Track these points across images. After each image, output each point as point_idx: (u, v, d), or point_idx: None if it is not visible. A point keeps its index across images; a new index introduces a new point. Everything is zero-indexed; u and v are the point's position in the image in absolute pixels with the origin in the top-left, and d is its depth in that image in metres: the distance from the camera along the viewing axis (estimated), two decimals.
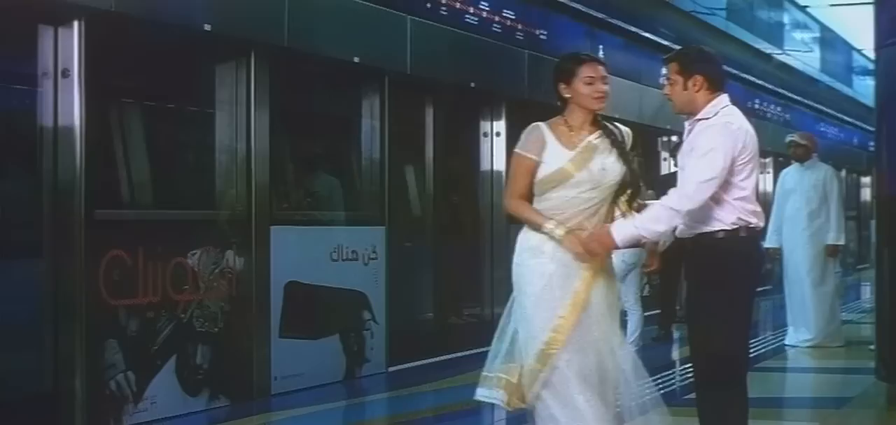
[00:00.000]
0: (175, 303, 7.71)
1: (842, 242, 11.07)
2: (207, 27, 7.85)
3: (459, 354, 10.46)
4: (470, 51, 10.81)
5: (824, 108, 23.36)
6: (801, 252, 10.94)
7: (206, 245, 7.96)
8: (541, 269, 5.14)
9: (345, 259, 9.29)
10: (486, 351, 10.58)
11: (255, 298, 8.40)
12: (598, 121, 5.24)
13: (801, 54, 20.99)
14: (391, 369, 9.78)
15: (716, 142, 5.12)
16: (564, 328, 5.09)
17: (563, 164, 5.11)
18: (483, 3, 11.08)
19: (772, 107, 19.91)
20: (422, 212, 10.90)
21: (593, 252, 5.09)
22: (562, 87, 5.20)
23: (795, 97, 21.21)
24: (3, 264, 7.04)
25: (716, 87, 5.28)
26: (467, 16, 10.86)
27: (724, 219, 5.22)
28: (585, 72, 5.15)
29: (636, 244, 5.37)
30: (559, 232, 5.08)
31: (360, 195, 9.89)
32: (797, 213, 10.86)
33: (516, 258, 5.28)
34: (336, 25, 9.13)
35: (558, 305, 5.10)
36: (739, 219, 5.24)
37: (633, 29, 14.11)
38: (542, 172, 5.15)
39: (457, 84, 10.80)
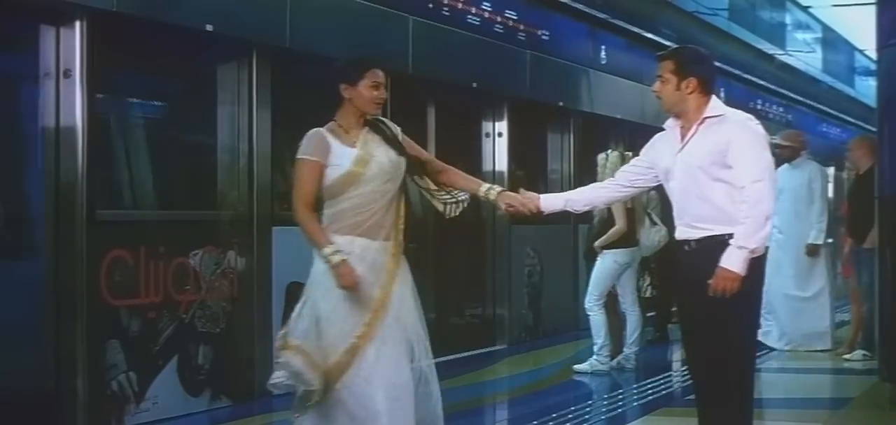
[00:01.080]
0: (177, 303, 7.71)
1: (820, 241, 10.85)
2: (209, 28, 7.82)
3: (461, 355, 10.48)
4: (472, 51, 10.78)
5: (826, 109, 23.35)
6: (787, 254, 10.88)
7: (207, 245, 7.96)
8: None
9: None
10: (488, 351, 10.78)
11: (257, 298, 8.38)
12: (366, 120, 5.35)
13: (804, 55, 20.96)
14: None
15: (757, 142, 5.16)
16: (374, 322, 5.19)
17: (350, 167, 5.20)
18: (485, 3, 11.06)
19: (773, 107, 19.89)
20: (422, 213, 10.86)
21: None
22: (343, 87, 5.32)
23: (797, 97, 21.20)
24: (4, 264, 7.05)
25: (708, 90, 5.24)
26: (469, 16, 10.83)
27: (734, 221, 5.12)
28: (370, 77, 5.28)
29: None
30: (335, 259, 5.13)
31: None
32: (785, 214, 10.82)
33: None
34: (337, 26, 9.08)
35: (367, 302, 5.20)
36: None
37: (635, 29, 14.11)
38: (331, 176, 5.23)
39: (458, 84, 10.78)
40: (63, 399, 7.04)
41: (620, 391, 9.02)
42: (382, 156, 5.26)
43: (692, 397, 5.52)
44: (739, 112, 5.31)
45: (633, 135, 12.77)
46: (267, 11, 8.46)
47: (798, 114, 21.13)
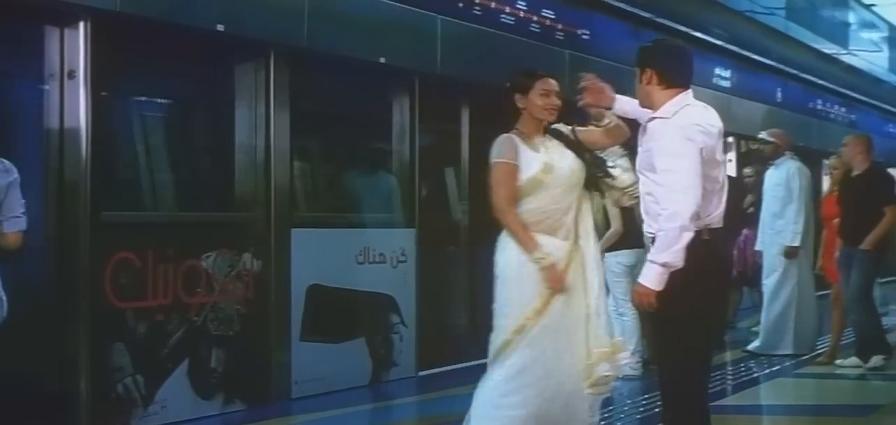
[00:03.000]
0: (187, 305, 7.64)
1: (798, 243, 10.41)
2: (220, 27, 7.74)
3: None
4: (505, 51, 10.59)
5: (892, 109, 22.75)
6: (766, 255, 10.59)
7: (220, 247, 7.88)
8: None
9: (372, 262, 9.16)
10: None
11: (275, 301, 8.30)
12: (547, 128, 5.60)
13: (868, 54, 20.46)
14: (422, 373, 9.63)
15: (677, 150, 4.87)
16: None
17: (536, 173, 5.44)
18: (520, 2, 10.87)
19: (835, 108, 19.43)
20: (458, 215, 10.75)
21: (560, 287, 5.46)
22: (517, 98, 5.61)
23: (860, 97, 20.68)
24: (7, 265, 7.00)
25: (669, 83, 5.02)
26: (503, 16, 10.66)
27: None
28: (540, 86, 5.55)
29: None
30: (545, 262, 5.40)
31: (389, 197, 9.74)
32: (765, 214, 10.51)
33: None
34: (360, 26, 8.96)
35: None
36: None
37: (682, 28, 13.82)
38: (520, 179, 5.45)
39: (491, 84, 10.57)
40: (66, 401, 7.00)
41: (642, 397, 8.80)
42: (565, 164, 5.51)
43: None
44: (681, 117, 4.96)
45: None
46: (283, 12, 8.35)
47: (862, 114, 20.62)
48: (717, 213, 5.04)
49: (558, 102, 5.55)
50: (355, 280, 9.02)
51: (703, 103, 5.14)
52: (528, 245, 5.42)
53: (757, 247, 10.83)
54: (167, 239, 7.55)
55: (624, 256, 9.11)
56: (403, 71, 9.56)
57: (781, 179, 10.45)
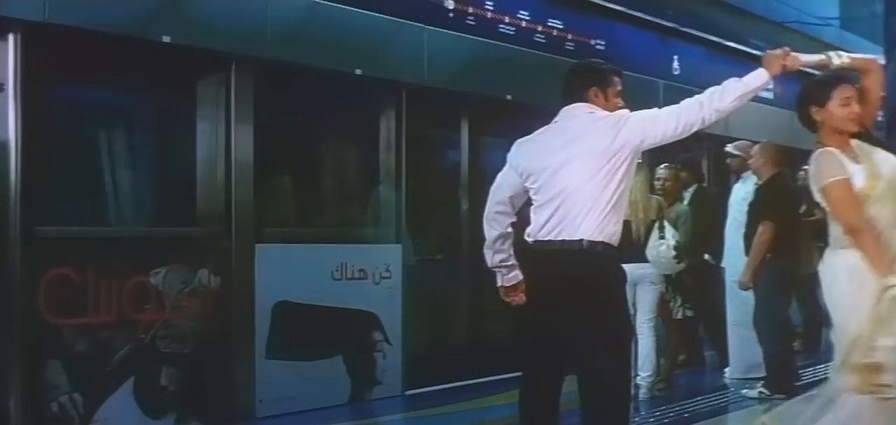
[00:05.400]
0: (134, 322, 7.50)
1: None
2: (166, 38, 7.60)
3: (493, 377, 9.99)
4: (502, 62, 10.30)
5: None
6: (730, 272, 9.96)
7: (173, 262, 7.73)
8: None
9: (351, 278, 8.94)
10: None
11: (236, 318, 8.13)
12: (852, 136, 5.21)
13: None
14: (409, 392, 9.38)
15: None
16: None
17: (863, 184, 5.07)
18: (521, 11, 10.59)
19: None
20: (455, 229, 10.49)
21: None
22: (814, 110, 5.28)
23: None
24: None
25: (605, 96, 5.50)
26: (502, 25, 10.38)
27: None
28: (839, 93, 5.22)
29: None
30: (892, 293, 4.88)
31: (371, 212, 9.52)
32: (729, 230, 9.97)
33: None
34: (321, 36, 8.75)
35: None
36: None
37: (718, 40, 13.40)
38: None
39: (489, 96, 10.31)
40: None
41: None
42: (888, 168, 5.15)
43: None
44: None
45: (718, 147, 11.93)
46: (244, 23, 8.18)
47: None
48: (540, 225, 5.33)
49: (858, 109, 5.22)
50: (331, 296, 8.80)
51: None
52: (882, 265, 4.96)
53: (722, 264, 10.27)
54: (111, 254, 7.42)
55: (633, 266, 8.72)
56: (387, 82, 9.31)
57: (744, 195, 9.83)
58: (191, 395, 7.87)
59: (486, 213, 5.50)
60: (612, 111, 5.53)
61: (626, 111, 5.49)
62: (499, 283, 5.63)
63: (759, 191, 9.17)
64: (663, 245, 8.90)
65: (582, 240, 5.24)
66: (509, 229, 5.58)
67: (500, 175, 5.54)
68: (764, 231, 8.86)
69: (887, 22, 7.73)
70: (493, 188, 5.54)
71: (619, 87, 5.65)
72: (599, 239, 5.27)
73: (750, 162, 9.69)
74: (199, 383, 7.92)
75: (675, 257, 9.05)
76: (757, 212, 9.04)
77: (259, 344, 8.28)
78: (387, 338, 9.24)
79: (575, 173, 5.25)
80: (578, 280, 5.28)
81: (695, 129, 5.28)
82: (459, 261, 10.48)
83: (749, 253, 9.11)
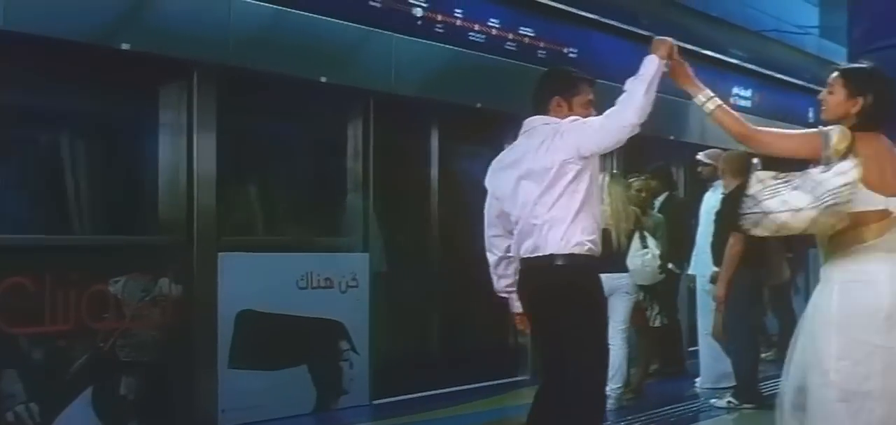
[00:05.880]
0: (93, 331, 7.44)
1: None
2: (126, 46, 7.55)
3: (463, 387, 9.97)
4: (471, 70, 10.26)
5: None
6: (700, 281, 9.93)
7: (132, 271, 7.68)
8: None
9: (316, 286, 8.89)
10: (496, 384, 10.20)
11: (198, 327, 8.08)
12: None
13: None
14: (377, 402, 9.32)
15: None
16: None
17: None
18: (492, 19, 10.55)
19: None
20: (424, 237, 10.44)
21: None
22: None
23: None
24: None
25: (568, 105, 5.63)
26: (472, 33, 10.34)
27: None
28: None
29: None
30: None
31: (337, 220, 9.47)
32: (700, 239, 9.92)
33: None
34: (300, 44, 8.72)
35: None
36: None
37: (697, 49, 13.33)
38: None
39: (458, 104, 10.26)
40: None
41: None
42: None
43: None
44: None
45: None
46: (206, 30, 8.13)
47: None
48: (518, 244, 5.56)
49: None
50: (296, 305, 8.75)
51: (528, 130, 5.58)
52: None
53: (692, 271, 10.23)
54: (68, 263, 7.36)
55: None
56: (354, 90, 9.27)
57: (713, 205, 9.75)
58: (152, 405, 7.81)
59: (485, 241, 5.80)
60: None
61: (572, 121, 5.46)
62: (511, 310, 5.88)
63: (725, 201, 9.12)
64: (648, 254, 8.89)
65: (552, 254, 5.36)
66: (510, 254, 5.65)
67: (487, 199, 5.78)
68: (734, 243, 8.78)
69: (850, 31, 7.70)
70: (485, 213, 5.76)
71: (589, 96, 5.61)
72: (567, 251, 5.32)
73: (721, 173, 9.64)
74: (161, 393, 7.87)
75: (660, 267, 9.06)
76: (723, 221, 9.00)
77: (222, 353, 8.22)
78: (353, 347, 9.19)
79: (527, 191, 5.42)
80: (552, 294, 5.42)
81: (625, 133, 5.30)
82: (429, 270, 10.44)
83: (717, 263, 9.07)
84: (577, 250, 5.42)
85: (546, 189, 5.43)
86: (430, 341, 10.45)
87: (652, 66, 5.20)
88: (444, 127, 10.45)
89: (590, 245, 5.46)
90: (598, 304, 5.61)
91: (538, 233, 5.44)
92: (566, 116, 5.54)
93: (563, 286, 5.43)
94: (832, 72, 4.97)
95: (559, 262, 5.42)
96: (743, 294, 8.94)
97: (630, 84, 5.25)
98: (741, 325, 9.06)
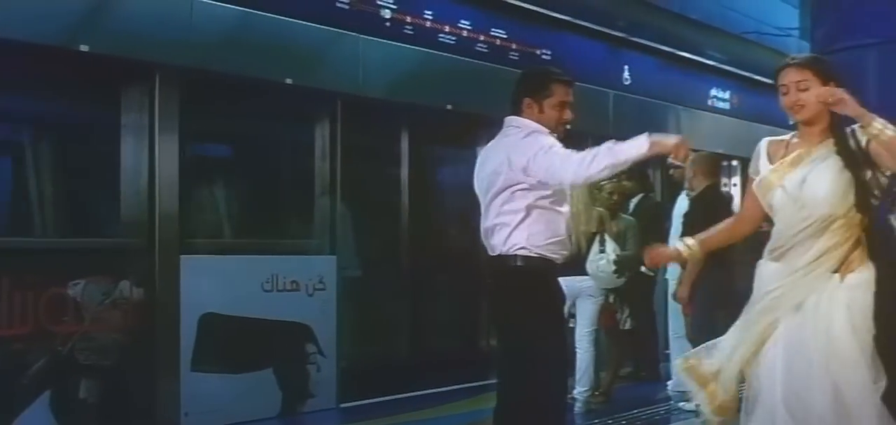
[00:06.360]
0: (51, 335, 7.41)
1: None
2: (84, 48, 7.51)
3: (432, 390, 9.93)
4: (442, 72, 10.23)
5: None
6: (672, 283, 9.81)
7: (93, 274, 7.64)
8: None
9: (282, 289, 8.85)
10: (468, 387, 10.17)
11: (160, 330, 8.04)
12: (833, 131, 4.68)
13: None
14: (344, 405, 9.28)
15: None
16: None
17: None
18: (462, 20, 10.52)
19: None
20: (395, 239, 10.41)
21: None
22: None
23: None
24: None
25: (535, 106, 5.54)
26: (442, 35, 10.31)
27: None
28: None
29: None
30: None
31: (304, 223, 9.43)
32: (672, 242, 9.80)
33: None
34: (264, 46, 8.68)
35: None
36: None
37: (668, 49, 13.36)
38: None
39: (428, 107, 10.23)
40: None
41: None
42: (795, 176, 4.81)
43: None
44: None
45: None
46: (167, 32, 8.10)
47: None
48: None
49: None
50: (261, 308, 8.71)
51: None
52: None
53: (666, 276, 10.19)
54: (26, 266, 7.33)
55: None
56: (321, 92, 9.23)
57: (684, 207, 9.72)
58: (112, 408, 7.76)
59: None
60: (549, 122, 5.46)
61: (544, 140, 5.41)
62: None
63: (693, 203, 9.07)
64: (603, 259, 8.82)
65: (500, 256, 5.40)
66: None
67: None
68: None
69: (813, 32, 7.67)
70: None
71: (563, 98, 5.52)
72: (512, 253, 5.30)
73: (688, 175, 9.58)
74: (122, 396, 7.83)
75: (615, 272, 8.98)
76: (690, 224, 8.94)
77: (184, 356, 8.19)
78: (320, 351, 9.14)
79: (487, 191, 5.42)
80: (499, 298, 5.53)
81: (564, 185, 5.36)
82: (399, 273, 10.41)
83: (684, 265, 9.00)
84: (521, 253, 5.39)
85: (498, 191, 5.42)
86: (400, 344, 10.41)
87: (636, 151, 5.10)
88: (415, 129, 10.42)
89: (539, 250, 5.41)
90: (545, 310, 5.53)
91: (490, 235, 5.45)
92: (537, 118, 5.50)
93: (508, 290, 5.41)
94: (786, 68, 4.76)
95: (506, 265, 5.40)
96: (708, 296, 8.88)
97: (607, 149, 5.13)
98: (707, 328, 8.99)
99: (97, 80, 7.88)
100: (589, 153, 5.14)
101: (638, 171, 11.23)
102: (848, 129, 4.63)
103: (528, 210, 5.40)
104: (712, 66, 14.25)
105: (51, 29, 7.43)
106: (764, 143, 4.86)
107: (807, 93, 4.62)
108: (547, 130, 5.47)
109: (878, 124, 4.46)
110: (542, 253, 5.44)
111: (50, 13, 7.44)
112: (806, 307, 4.57)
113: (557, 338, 5.74)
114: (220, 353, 8.40)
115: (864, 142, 4.58)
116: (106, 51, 7.68)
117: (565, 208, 5.49)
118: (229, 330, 8.46)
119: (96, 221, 8.21)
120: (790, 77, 4.66)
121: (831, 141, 4.66)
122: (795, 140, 4.75)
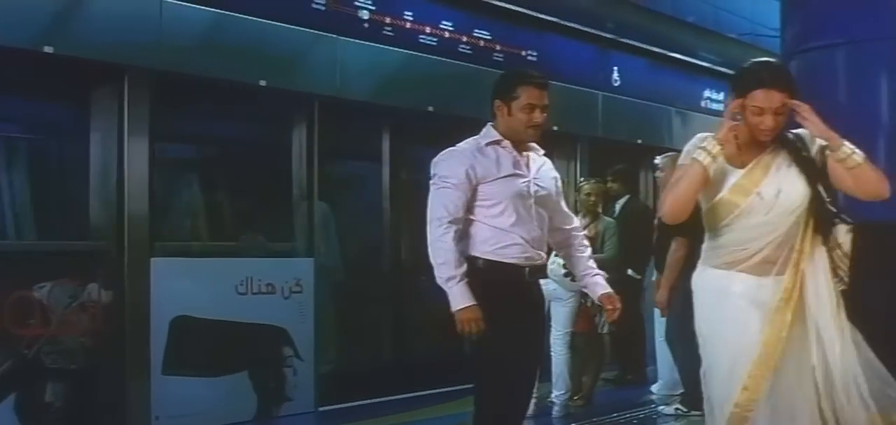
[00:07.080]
0: (16, 338, 7.37)
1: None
2: (49, 49, 7.47)
3: (411, 394, 9.87)
4: (422, 74, 10.17)
5: None
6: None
7: (59, 277, 7.60)
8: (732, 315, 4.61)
9: (257, 292, 8.79)
10: (447, 391, 10.11)
11: (130, 333, 7.99)
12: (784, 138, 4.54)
13: None
14: (322, 409, 9.22)
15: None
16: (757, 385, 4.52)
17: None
18: (444, 21, 10.46)
19: None
20: (375, 242, 10.36)
21: None
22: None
23: None
24: None
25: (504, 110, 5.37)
26: (423, 36, 10.25)
27: None
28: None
29: None
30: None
31: (281, 225, 9.37)
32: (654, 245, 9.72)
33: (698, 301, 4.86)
34: (237, 48, 8.64)
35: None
36: None
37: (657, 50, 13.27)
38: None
39: (409, 109, 10.17)
40: None
41: None
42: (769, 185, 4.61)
43: None
44: None
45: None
46: (136, 34, 8.05)
47: None
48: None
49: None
50: (235, 311, 8.65)
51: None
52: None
53: (653, 278, 10.06)
54: None
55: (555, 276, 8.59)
56: (297, 94, 9.18)
57: None
58: (80, 412, 7.72)
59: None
60: (519, 125, 5.30)
61: (474, 153, 5.32)
62: None
63: None
64: (554, 262, 8.69)
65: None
66: None
67: None
68: (677, 248, 8.53)
69: (783, 34, 7.59)
70: None
71: (531, 100, 5.27)
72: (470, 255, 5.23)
73: (660, 176, 9.45)
74: (90, 400, 7.78)
75: (566, 274, 8.84)
76: (666, 226, 8.84)
77: (155, 359, 8.13)
78: (297, 354, 9.08)
79: None
80: None
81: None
82: (379, 275, 10.35)
83: (659, 268, 8.93)
84: (474, 253, 5.31)
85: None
86: (380, 347, 10.36)
87: (451, 300, 5.23)
88: (396, 131, 10.37)
89: (484, 257, 5.30)
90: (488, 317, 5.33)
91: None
92: (506, 121, 5.34)
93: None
94: (771, 90, 4.37)
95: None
96: (687, 299, 8.75)
97: (449, 262, 5.21)
98: (686, 331, 8.88)
99: (66, 82, 7.82)
100: (444, 237, 5.19)
101: (624, 173, 11.16)
102: (790, 134, 4.53)
103: (479, 216, 5.29)
104: (705, 67, 14.15)
105: (17, 31, 7.39)
106: (714, 140, 4.59)
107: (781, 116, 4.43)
108: (485, 142, 5.32)
109: (847, 148, 4.35)
110: (489, 261, 5.31)
111: (16, 14, 7.40)
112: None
113: (494, 349, 5.37)
114: (192, 357, 8.35)
115: (813, 151, 4.50)
116: (73, 52, 7.63)
117: (508, 218, 5.31)
118: (202, 334, 8.40)
119: (64, 224, 8.14)
120: (773, 101, 4.39)
121: (784, 149, 4.53)
122: (741, 141, 4.57)
